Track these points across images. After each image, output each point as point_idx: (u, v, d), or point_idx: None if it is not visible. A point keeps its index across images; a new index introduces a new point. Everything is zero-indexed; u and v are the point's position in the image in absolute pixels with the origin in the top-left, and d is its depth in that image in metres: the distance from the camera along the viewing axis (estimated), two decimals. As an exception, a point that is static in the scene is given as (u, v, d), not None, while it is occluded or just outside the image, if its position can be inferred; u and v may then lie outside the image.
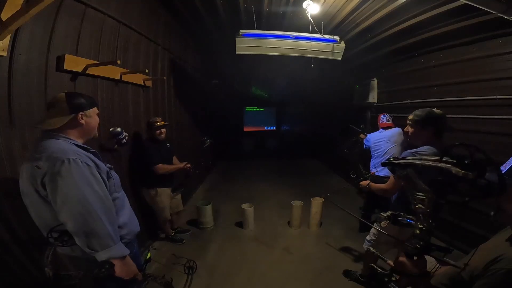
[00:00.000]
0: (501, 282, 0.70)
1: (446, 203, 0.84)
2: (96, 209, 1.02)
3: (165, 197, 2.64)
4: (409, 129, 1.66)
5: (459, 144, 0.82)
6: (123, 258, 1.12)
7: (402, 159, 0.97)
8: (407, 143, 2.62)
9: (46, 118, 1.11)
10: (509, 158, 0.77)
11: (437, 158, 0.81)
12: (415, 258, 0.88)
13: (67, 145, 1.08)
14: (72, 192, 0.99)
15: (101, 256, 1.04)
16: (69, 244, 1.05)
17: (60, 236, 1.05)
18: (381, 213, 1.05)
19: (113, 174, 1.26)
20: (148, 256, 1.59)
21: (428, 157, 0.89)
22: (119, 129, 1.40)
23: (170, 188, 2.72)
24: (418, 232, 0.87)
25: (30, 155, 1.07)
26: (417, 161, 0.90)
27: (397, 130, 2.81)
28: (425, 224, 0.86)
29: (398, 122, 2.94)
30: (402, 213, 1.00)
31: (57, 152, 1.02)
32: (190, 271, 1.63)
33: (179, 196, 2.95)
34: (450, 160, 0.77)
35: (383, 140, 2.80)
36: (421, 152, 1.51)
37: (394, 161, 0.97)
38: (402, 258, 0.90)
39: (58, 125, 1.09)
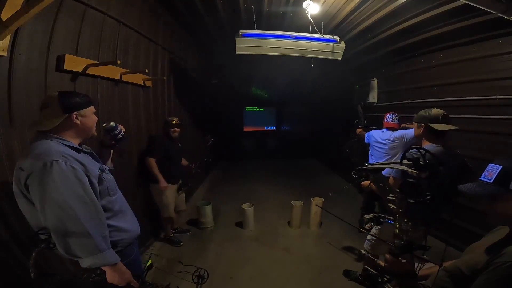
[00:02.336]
0: (506, 276, 0.71)
1: (415, 202, 0.90)
2: (78, 215, 0.98)
3: (170, 194, 2.67)
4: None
5: (413, 147, 0.96)
6: (113, 265, 1.08)
7: (373, 164, 1.05)
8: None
9: (40, 119, 1.08)
10: (509, 158, 0.79)
11: (398, 161, 0.93)
12: (400, 258, 0.91)
13: (56, 146, 1.04)
14: (52, 195, 0.95)
15: (84, 263, 1.01)
16: (55, 247, 1.01)
17: (47, 239, 1.02)
18: (364, 216, 1.10)
19: (106, 176, 1.21)
20: (149, 263, 1.53)
21: (393, 161, 0.99)
22: (113, 123, 1.31)
23: (175, 185, 2.76)
24: (397, 231, 0.92)
25: (21, 155, 1.05)
26: (383, 165, 1.02)
27: (400, 134, 2.65)
28: (402, 224, 0.91)
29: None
30: (383, 214, 1.06)
31: (41, 153, 0.98)
32: (200, 281, 1.52)
33: (183, 195, 2.97)
34: (408, 162, 0.88)
35: (384, 140, 2.77)
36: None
37: (366, 167, 1.04)
38: (387, 257, 0.93)
39: (50, 127, 1.06)
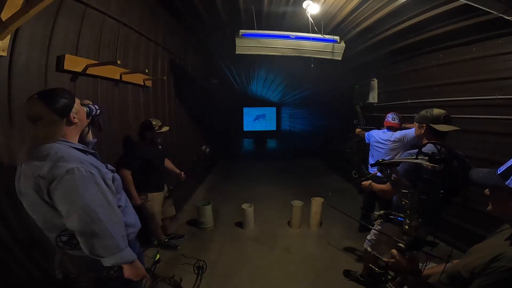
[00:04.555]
0: (501, 280, 0.71)
1: (427, 198, 0.92)
2: (101, 217, 1.03)
3: (156, 202, 2.51)
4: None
5: (429, 142, 1.02)
6: (131, 262, 1.14)
7: (388, 159, 1.06)
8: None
9: (38, 132, 1.03)
10: (508, 158, 0.78)
11: (414, 156, 0.95)
12: (406, 255, 0.91)
13: (68, 151, 1.05)
14: (77, 201, 1.00)
15: (108, 261, 1.07)
16: (78, 247, 1.06)
17: (69, 240, 1.06)
18: (374, 212, 1.12)
19: (116, 176, 1.25)
20: (157, 257, 1.64)
21: (408, 156, 1.01)
22: (85, 109, 1.26)
23: (161, 193, 2.58)
24: (406, 228, 0.92)
25: (29, 158, 1.02)
26: (399, 160, 1.04)
27: (401, 135, 2.63)
28: (412, 220, 0.91)
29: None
30: (393, 212, 1.07)
31: (59, 160, 1.00)
32: (200, 271, 1.62)
33: (171, 201, 2.83)
34: (424, 157, 0.90)
35: (385, 140, 2.73)
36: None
37: (381, 162, 1.04)
38: (394, 253, 0.93)
39: (57, 138, 1.04)
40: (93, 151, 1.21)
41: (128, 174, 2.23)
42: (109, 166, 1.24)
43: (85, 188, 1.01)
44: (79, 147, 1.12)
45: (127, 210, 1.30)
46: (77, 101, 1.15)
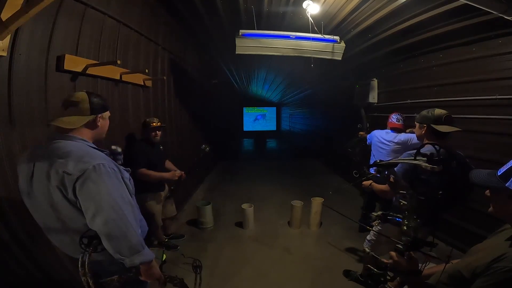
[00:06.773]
0: (504, 280, 0.71)
1: (425, 199, 0.92)
2: (126, 215, 1.01)
3: (156, 202, 2.49)
4: None
5: (427, 143, 1.02)
6: (150, 262, 1.10)
7: (387, 161, 1.06)
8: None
9: (65, 116, 1.05)
10: (509, 159, 0.78)
11: (412, 158, 0.95)
12: (406, 255, 0.91)
13: (88, 148, 1.05)
14: (105, 198, 0.97)
15: (133, 261, 1.02)
16: (99, 249, 1.02)
17: (90, 243, 1.02)
18: (372, 213, 1.12)
19: (130, 177, 1.24)
20: (164, 258, 1.64)
21: (406, 158, 1.01)
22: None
23: (161, 193, 2.57)
24: (405, 228, 0.92)
25: (48, 156, 0.99)
26: (397, 161, 1.04)
27: (405, 137, 2.61)
28: (410, 221, 0.91)
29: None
30: (391, 212, 1.07)
31: (84, 156, 0.98)
32: (199, 270, 1.65)
33: (171, 201, 2.81)
34: (422, 158, 0.90)
35: (388, 141, 2.71)
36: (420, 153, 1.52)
37: (379, 163, 1.05)
38: (392, 254, 0.93)
39: (78, 125, 1.05)
40: (106, 151, 1.19)
41: (144, 170, 2.28)
42: (122, 166, 1.22)
43: (111, 184, 1.00)
44: (94, 146, 1.12)
45: (139, 211, 1.27)
46: (107, 113, 1.20)
